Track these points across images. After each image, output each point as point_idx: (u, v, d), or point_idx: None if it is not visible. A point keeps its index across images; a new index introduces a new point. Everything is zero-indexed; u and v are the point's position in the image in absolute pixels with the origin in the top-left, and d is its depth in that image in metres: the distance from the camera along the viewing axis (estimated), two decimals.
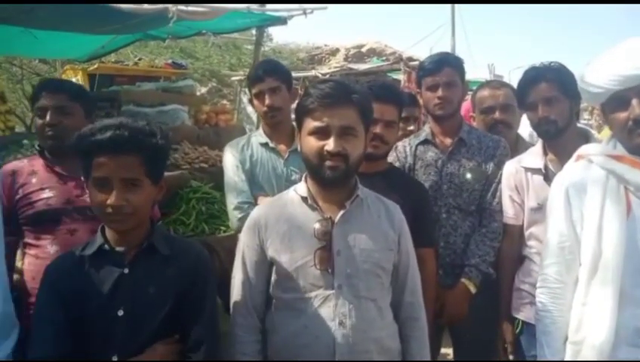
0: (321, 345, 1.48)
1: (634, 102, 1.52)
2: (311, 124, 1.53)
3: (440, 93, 2.28)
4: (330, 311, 1.50)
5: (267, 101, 2.35)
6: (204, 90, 12.41)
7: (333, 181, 1.54)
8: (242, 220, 2.25)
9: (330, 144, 1.50)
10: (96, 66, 7.46)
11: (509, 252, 2.20)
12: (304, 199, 1.59)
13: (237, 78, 10.32)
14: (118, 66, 8.06)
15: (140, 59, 8.76)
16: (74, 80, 7.76)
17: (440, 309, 2.17)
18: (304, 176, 1.65)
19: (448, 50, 21.06)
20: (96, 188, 1.44)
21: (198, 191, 3.54)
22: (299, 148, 1.65)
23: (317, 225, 1.54)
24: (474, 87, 6.43)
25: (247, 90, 9.83)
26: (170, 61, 8.79)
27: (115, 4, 3.57)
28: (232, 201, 2.37)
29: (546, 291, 1.72)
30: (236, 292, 1.62)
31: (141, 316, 1.45)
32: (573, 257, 1.66)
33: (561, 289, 1.68)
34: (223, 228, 3.30)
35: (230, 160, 2.44)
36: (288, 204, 1.62)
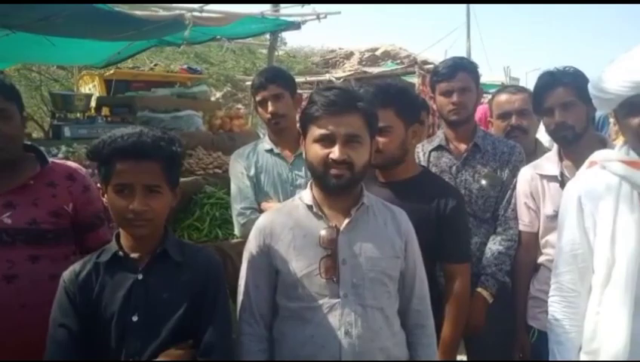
0: (327, 354, 1.48)
1: None
2: (316, 131, 1.53)
3: (455, 98, 2.27)
4: (336, 320, 1.49)
5: (270, 108, 2.37)
6: (219, 94, 12.49)
7: (339, 189, 1.54)
8: (245, 226, 2.30)
9: (335, 152, 1.49)
10: (112, 72, 7.53)
11: (525, 260, 2.18)
12: (309, 207, 1.59)
13: (251, 82, 10.37)
14: (134, 72, 8.15)
15: (155, 65, 8.84)
16: (90, 86, 7.87)
17: None
18: (309, 183, 1.65)
19: (464, 52, 21.03)
20: (117, 194, 1.46)
21: (212, 196, 3.57)
22: (304, 155, 1.65)
23: (322, 233, 1.53)
24: (490, 90, 6.38)
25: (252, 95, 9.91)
26: (185, 66, 8.86)
27: (127, 10, 3.64)
28: (235, 207, 2.41)
29: (558, 299, 1.70)
30: (242, 300, 1.62)
31: (155, 321, 1.47)
32: (586, 265, 1.64)
33: (574, 297, 1.66)
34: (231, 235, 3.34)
35: (235, 167, 2.48)
36: (294, 211, 1.62)
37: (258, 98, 2.41)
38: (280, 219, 1.62)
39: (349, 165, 1.51)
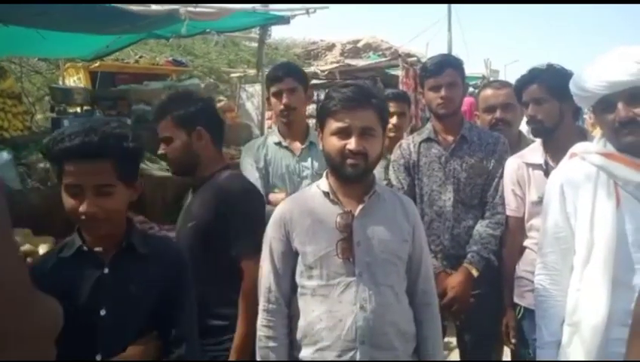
0: (344, 327, 1.62)
1: (619, 105, 1.65)
2: (333, 124, 1.66)
3: (443, 93, 2.39)
4: (352, 296, 1.63)
5: (285, 100, 2.49)
6: (202, 86, 12.47)
7: (354, 177, 1.67)
8: None
9: (351, 143, 1.62)
10: (97, 64, 7.51)
11: (512, 242, 2.33)
12: (326, 194, 1.72)
13: (236, 74, 10.40)
14: (120, 64, 8.14)
15: (140, 57, 8.84)
16: (75, 78, 7.85)
17: (443, 293, 2.27)
18: (325, 172, 1.78)
19: (445, 45, 21.28)
20: (68, 194, 1.41)
21: None
22: (320, 147, 1.78)
23: (338, 218, 1.66)
24: (471, 82, 6.52)
25: (246, 87, 9.86)
26: (170, 59, 8.90)
27: (125, 6, 3.70)
28: None
29: (544, 277, 1.87)
30: (264, 281, 1.75)
31: (123, 315, 1.44)
32: (568, 246, 1.80)
33: (558, 275, 1.83)
34: None
35: (245, 160, 2.61)
36: (311, 198, 1.75)
37: (273, 89, 2.53)
38: (299, 205, 1.75)
39: (364, 156, 1.63)
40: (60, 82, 7.88)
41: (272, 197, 2.44)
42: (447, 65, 2.43)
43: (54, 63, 9.72)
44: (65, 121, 3.57)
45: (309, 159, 2.53)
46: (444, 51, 21.22)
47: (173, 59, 8.85)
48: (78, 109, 3.92)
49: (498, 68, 15.88)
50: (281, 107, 2.51)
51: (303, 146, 2.55)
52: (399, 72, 7.86)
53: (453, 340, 2.70)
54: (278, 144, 2.57)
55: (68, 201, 1.41)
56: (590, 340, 1.68)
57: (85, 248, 1.46)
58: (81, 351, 1.39)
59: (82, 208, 1.38)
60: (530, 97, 2.21)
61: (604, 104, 1.71)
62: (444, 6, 20.05)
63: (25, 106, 4.44)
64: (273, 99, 2.55)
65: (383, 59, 9.86)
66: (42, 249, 2.58)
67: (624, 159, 1.72)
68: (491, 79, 10.77)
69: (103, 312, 1.42)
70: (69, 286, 1.41)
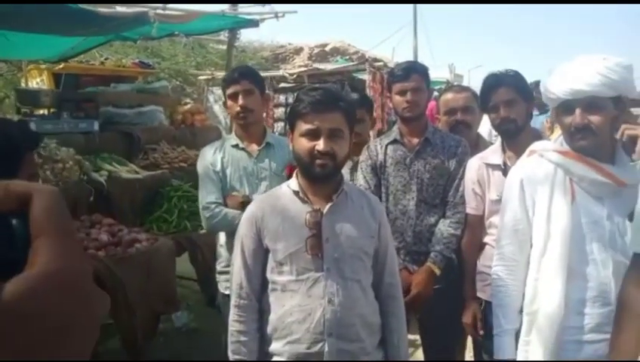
0: (313, 320, 1.68)
1: (577, 111, 1.76)
2: (303, 126, 1.72)
3: (408, 97, 2.50)
4: (321, 290, 1.69)
5: (241, 102, 2.50)
6: (169, 88, 12.34)
7: (323, 177, 1.73)
8: (209, 219, 2.45)
9: (320, 144, 1.69)
10: (62, 66, 7.35)
11: (472, 239, 2.43)
12: (296, 193, 1.78)
13: (204, 77, 10.35)
14: (85, 66, 7.98)
15: (106, 59, 8.70)
16: (38, 80, 7.68)
17: (407, 290, 2.35)
18: (295, 172, 1.84)
19: (410, 50, 21.63)
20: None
21: (179, 189, 3.70)
22: (291, 147, 1.83)
23: (308, 216, 1.73)
24: (435, 87, 6.71)
25: (213, 89, 9.80)
26: (137, 60, 8.78)
27: (93, 7, 3.68)
28: (201, 202, 2.53)
29: (501, 268, 1.97)
30: (236, 277, 1.80)
31: None
32: (525, 238, 1.90)
33: (515, 266, 1.93)
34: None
35: (202, 163, 2.60)
36: (281, 197, 1.81)
37: (229, 91, 2.54)
38: (269, 204, 1.81)
39: (332, 156, 1.70)
40: (23, 84, 7.70)
41: (229, 199, 2.47)
42: (414, 72, 2.53)
43: (16, 65, 9.47)
44: (32, 123, 3.51)
45: (267, 160, 2.56)
46: (410, 56, 21.65)
47: (140, 61, 8.73)
48: (45, 111, 3.86)
49: (462, 73, 16.23)
50: (238, 108, 2.52)
51: (260, 148, 2.57)
52: (366, 76, 7.98)
53: (418, 337, 2.77)
54: (236, 146, 2.58)
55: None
56: (547, 328, 1.78)
57: None
58: None
59: None
60: (500, 100, 2.31)
61: (565, 107, 1.81)
62: (410, 12, 20.37)
63: None
64: (229, 101, 2.56)
65: (351, 63, 9.96)
66: None
67: (579, 157, 1.83)
68: (455, 83, 11.03)
69: None
70: None
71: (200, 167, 2.60)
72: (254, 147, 2.60)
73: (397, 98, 2.55)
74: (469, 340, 2.65)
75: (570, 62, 1.82)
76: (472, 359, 2.54)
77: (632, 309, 1.46)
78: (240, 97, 2.51)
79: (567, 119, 1.80)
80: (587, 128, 1.76)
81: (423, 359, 2.73)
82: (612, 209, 1.80)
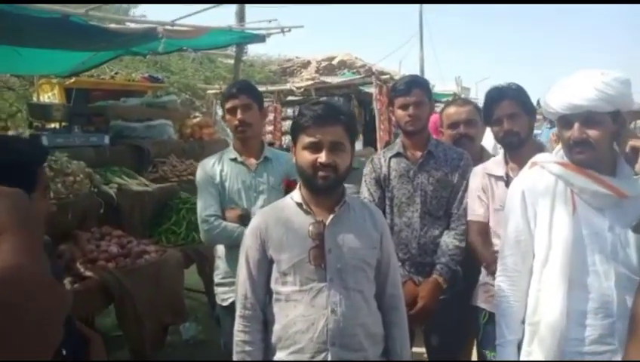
0: (316, 329, 1.71)
1: (575, 125, 1.79)
2: (305, 139, 1.76)
3: (410, 111, 2.54)
4: (324, 300, 1.72)
5: (239, 116, 2.54)
6: (178, 101, 12.49)
7: (325, 189, 1.77)
8: (208, 232, 2.48)
9: (322, 157, 1.73)
10: (72, 81, 7.47)
11: (484, 243, 2.39)
12: (299, 205, 1.82)
13: (212, 91, 10.46)
14: (95, 80, 8.11)
15: (116, 73, 8.83)
16: (50, 94, 7.81)
17: (412, 302, 2.38)
18: (298, 184, 1.88)
19: (417, 63, 21.73)
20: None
21: (187, 201, 3.74)
22: (294, 160, 1.87)
23: (311, 227, 1.76)
24: (442, 100, 6.74)
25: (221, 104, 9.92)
26: (147, 75, 8.91)
27: (103, 24, 3.77)
28: (200, 215, 2.55)
29: (504, 279, 1.99)
30: (241, 288, 1.83)
31: None
32: (527, 249, 1.92)
33: (517, 277, 1.95)
34: None
35: (201, 176, 2.63)
36: (285, 209, 1.85)
37: (228, 105, 2.58)
38: (273, 216, 1.84)
39: (333, 168, 1.74)
40: (35, 98, 7.83)
41: (228, 213, 2.50)
42: (415, 86, 2.57)
43: (28, 80, 9.65)
44: (44, 137, 3.58)
45: (265, 174, 2.59)
46: (417, 69, 21.74)
47: (150, 75, 8.87)
48: (57, 125, 3.95)
49: (469, 85, 16.28)
50: (236, 123, 2.56)
51: (258, 162, 2.61)
52: (373, 90, 8.03)
53: (424, 350, 2.76)
54: (234, 160, 2.62)
55: None
56: (549, 339, 1.79)
57: None
58: None
59: None
60: (504, 113, 2.34)
61: (564, 121, 1.85)
62: (417, 25, 20.53)
63: (2, 122, 4.44)
64: (228, 116, 2.60)
65: (358, 76, 10.05)
66: None
67: (580, 169, 1.85)
68: (462, 96, 11.07)
69: None
70: None
71: (199, 179, 2.63)
72: (253, 161, 2.63)
73: (399, 112, 2.59)
74: (475, 352, 2.65)
75: (568, 77, 1.86)
76: None
77: None
78: (238, 112, 2.55)
79: (567, 133, 1.83)
80: (585, 142, 1.79)
81: None
82: (614, 220, 1.82)
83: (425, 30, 21.57)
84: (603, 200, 1.83)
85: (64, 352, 1.51)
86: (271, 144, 6.94)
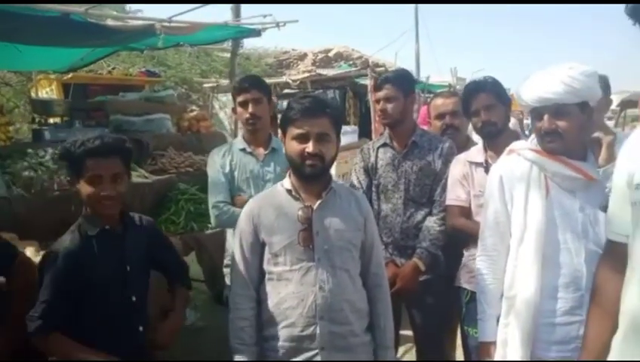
0: (305, 305, 1.85)
1: (545, 117, 1.93)
2: (294, 131, 1.89)
3: (381, 106, 2.72)
4: (312, 279, 1.86)
5: (251, 109, 2.70)
6: (175, 95, 12.56)
7: (313, 176, 1.91)
8: (219, 217, 2.65)
9: (309, 147, 1.86)
10: (70, 76, 7.53)
11: (468, 223, 2.50)
12: (289, 191, 1.96)
13: (209, 84, 10.55)
14: (93, 75, 8.21)
15: (113, 68, 8.94)
16: (47, 90, 7.90)
17: (392, 282, 2.51)
18: (288, 172, 2.02)
19: (413, 55, 21.77)
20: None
21: (185, 193, 3.87)
22: (284, 150, 2.01)
23: (300, 212, 1.90)
24: (438, 90, 6.88)
25: (218, 96, 9.96)
26: (144, 69, 9.02)
27: (101, 21, 3.86)
28: (211, 200, 2.71)
29: (484, 258, 2.13)
30: (235, 269, 1.98)
31: (139, 267, 2.04)
32: (505, 230, 2.06)
33: (496, 256, 2.09)
34: (210, 225, 3.65)
35: (212, 164, 2.80)
36: (276, 195, 1.99)
37: (240, 99, 2.74)
38: (265, 201, 1.99)
39: (320, 157, 1.87)
40: (33, 94, 7.92)
41: (237, 200, 2.66)
42: (386, 82, 2.73)
43: (25, 75, 9.72)
44: (46, 132, 3.70)
45: (272, 164, 2.74)
46: (413, 60, 21.77)
47: (147, 70, 8.97)
48: (58, 120, 4.06)
49: (465, 76, 16.34)
50: (247, 116, 2.71)
51: (266, 152, 2.76)
52: (368, 82, 8.13)
53: (411, 333, 2.87)
54: (243, 150, 2.77)
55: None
56: (524, 312, 1.93)
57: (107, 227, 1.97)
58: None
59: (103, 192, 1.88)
60: (481, 104, 2.48)
61: (535, 113, 1.99)
62: (412, 17, 20.59)
63: (7, 118, 4.55)
64: (240, 108, 2.75)
65: (354, 68, 10.13)
66: (28, 252, 2.73)
67: (552, 155, 1.99)
68: (458, 87, 11.17)
69: (128, 268, 1.99)
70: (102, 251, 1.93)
71: (210, 169, 2.80)
72: (261, 151, 2.78)
73: (376, 106, 2.75)
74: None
75: (539, 71, 1.99)
76: (461, 345, 2.67)
77: (604, 291, 1.57)
78: (250, 105, 2.71)
79: (538, 124, 1.98)
80: (555, 132, 1.93)
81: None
82: (584, 202, 1.95)
83: (421, 22, 21.63)
84: (574, 183, 1.97)
85: None
86: None
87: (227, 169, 2.73)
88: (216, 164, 2.76)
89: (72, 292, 1.86)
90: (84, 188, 1.89)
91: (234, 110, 2.88)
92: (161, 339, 2.08)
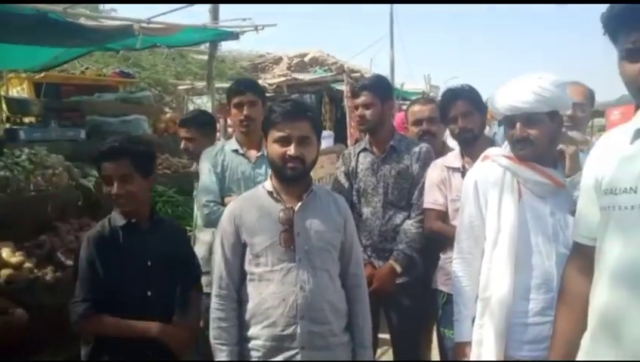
0: (286, 305, 1.88)
1: (517, 125, 2.01)
2: (276, 134, 1.93)
3: (359, 112, 2.79)
4: (293, 279, 1.90)
5: (245, 112, 2.75)
6: (151, 97, 12.42)
7: (294, 178, 1.94)
8: (208, 216, 2.66)
9: (290, 150, 1.90)
10: (42, 75, 7.40)
11: (445, 226, 2.57)
12: (270, 193, 1.99)
13: (183, 87, 10.47)
14: (65, 75, 8.06)
15: (86, 68, 8.80)
16: (18, 89, 7.73)
17: (369, 284, 2.48)
18: (270, 174, 2.05)
19: (387, 61, 22.01)
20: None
21: (163, 195, 3.86)
22: (265, 153, 2.05)
23: (281, 213, 1.94)
24: (412, 97, 7.00)
25: (193, 98, 9.86)
26: (117, 70, 8.91)
27: (78, 20, 3.83)
28: (201, 200, 2.73)
29: (460, 261, 2.20)
30: (216, 270, 2.00)
31: (162, 264, 2.15)
32: (480, 234, 2.13)
33: (471, 259, 2.16)
34: (188, 228, 3.64)
35: (204, 164, 2.82)
36: (258, 197, 2.02)
37: (235, 101, 2.78)
38: (247, 203, 2.02)
39: (301, 160, 1.91)
40: (3, 92, 7.74)
41: (227, 200, 2.66)
42: (363, 89, 2.81)
43: None
44: (21, 131, 3.64)
45: (264, 166, 2.75)
46: (387, 67, 22.02)
47: (120, 70, 8.86)
48: (33, 120, 4.00)
49: (438, 84, 16.61)
50: (242, 117, 2.76)
51: (259, 154, 2.79)
52: (344, 87, 8.20)
53: (388, 336, 2.92)
54: (235, 151, 2.80)
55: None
56: (498, 312, 1.99)
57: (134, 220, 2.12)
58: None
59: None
60: (458, 111, 2.56)
61: (508, 121, 2.07)
62: (388, 24, 20.82)
63: None
64: (234, 110, 2.80)
65: (329, 73, 10.19)
66: (4, 253, 2.70)
67: (524, 162, 2.07)
68: (431, 94, 11.36)
69: (149, 263, 2.12)
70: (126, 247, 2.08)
71: (202, 168, 2.82)
72: (253, 153, 2.82)
73: (355, 112, 2.83)
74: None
75: (511, 80, 2.08)
76: (437, 346, 2.74)
77: (571, 291, 1.64)
78: (245, 107, 2.75)
79: (510, 131, 2.06)
80: (526, 140, 2.01)
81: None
82: (554, 206, 2.04)
83: (396, 29, 21.88)
84: (544, 189, 2.05)
85: None
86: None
87: (219, 168, 2.76)
88: (208, 164, 2.78)
89: (100, 275, 2.02)
90: (104, 188, 2.10)
91: (228, 112, 2.91)
92: (177, 341, 2.13)
